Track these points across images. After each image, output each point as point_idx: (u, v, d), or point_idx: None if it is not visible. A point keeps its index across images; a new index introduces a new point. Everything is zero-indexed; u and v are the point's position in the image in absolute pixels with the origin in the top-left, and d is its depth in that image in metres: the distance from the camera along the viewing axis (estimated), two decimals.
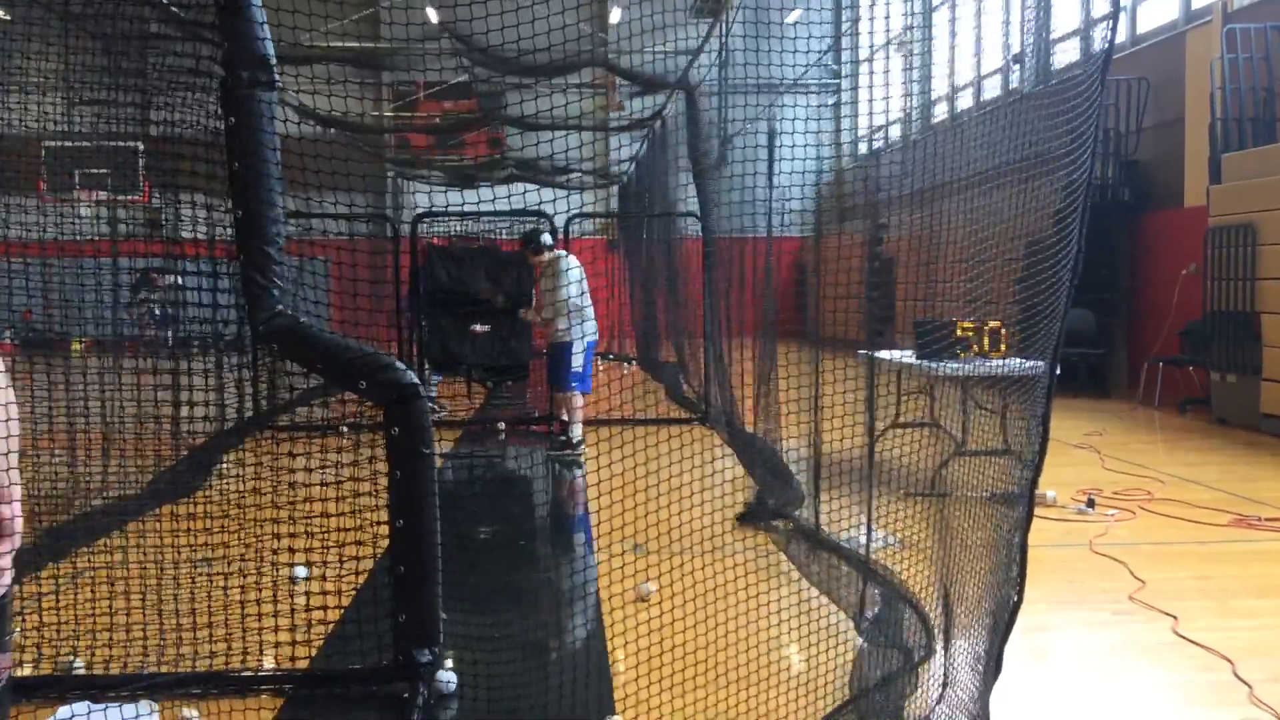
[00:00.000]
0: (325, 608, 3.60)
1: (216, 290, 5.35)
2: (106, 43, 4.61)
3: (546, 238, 8.47)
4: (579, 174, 13.19)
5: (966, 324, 5.76)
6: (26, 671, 3.55)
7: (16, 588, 3.78)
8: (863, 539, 4.40)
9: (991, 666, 2.71)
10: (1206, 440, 8.79)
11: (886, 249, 4.87)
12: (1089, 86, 2.58)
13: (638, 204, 14.65)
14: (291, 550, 3.67)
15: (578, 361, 8.20)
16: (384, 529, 3.43)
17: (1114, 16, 2.46)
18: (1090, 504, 6.14)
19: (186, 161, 3.93)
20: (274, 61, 3.15)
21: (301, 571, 4.07)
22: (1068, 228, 2.62)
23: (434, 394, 10.42)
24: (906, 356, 6.81)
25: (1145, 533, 5.70)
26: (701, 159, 8.22)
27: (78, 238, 5.47)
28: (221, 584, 3.87)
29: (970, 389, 5.97)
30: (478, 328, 10.01)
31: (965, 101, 14.93)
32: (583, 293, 8.26)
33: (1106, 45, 2.53)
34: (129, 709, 3.10)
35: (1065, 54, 10.92)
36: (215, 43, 3.31)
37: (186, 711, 3.35)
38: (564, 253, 8.35)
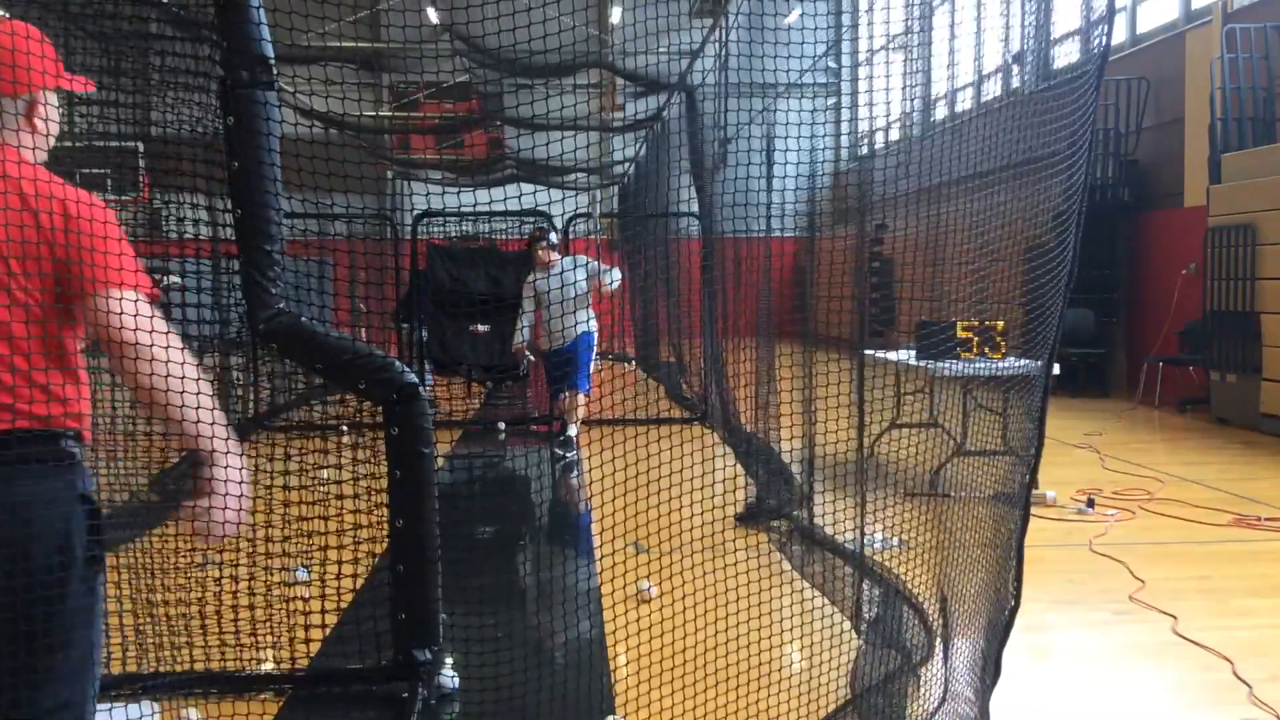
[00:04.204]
0: (325, 609, 3.60)
1: (216, 290, 5.35)
2: (106, 43, 4.61)
3: (553, 236, 8.50)
4: (580, 175, 13.20)
5: (967, 324, 5.76)
6: None
7: None
8: (862, 539, 4.40)
9: (990, 669, 2.71)
10: (1206, 440, 8.79)
11: (885, 249, 4.88)
12: (1084, 89, 2.59)
13: (638, 204, 14.65)
14: (287, 555, 3.67)
15: (591, 355, 8.21)
16: (384, 529, 3.43)
17: (1109, 20, 2.46)
18: (1090, 504, 6.14)
19: (186, 161, 3.93)
20: (274, 61, 3.15)
21: (302, 573, 4.07)
22: (1065, 229, 2.62)
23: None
24: (906, 356, 6.82)
25: (1145, 532, 5.70)
26: (702, 160, 8.22)
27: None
28: (222, 584, 3.87)
29: (970, 389, 5.97)
30: (478, 328, 10.00)
31: (965, 103, 14.92)
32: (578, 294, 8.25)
33: (1102, 49, 2.53)
34: (129, 709, 3.10)
35: (1066, 55, 10.92)
36: (215, 42, 3.31)
37: (186, 711, 3.35)
38: (575, 257, 8.32)
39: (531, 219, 9.96)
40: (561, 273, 8.07)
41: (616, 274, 8.33)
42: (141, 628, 3.72)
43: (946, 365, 5.91)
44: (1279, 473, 7.37)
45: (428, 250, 10.35)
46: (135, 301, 1.99)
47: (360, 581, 3.94)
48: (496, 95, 10.11)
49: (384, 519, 3.43)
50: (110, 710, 3.08)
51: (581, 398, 8.28)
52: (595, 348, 8.53)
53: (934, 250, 4.29)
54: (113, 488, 5.01)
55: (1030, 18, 3.61)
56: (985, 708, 2.76)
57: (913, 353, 6.70)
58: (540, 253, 8.32)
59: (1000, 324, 5.72)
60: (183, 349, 2.03)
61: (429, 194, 11.81)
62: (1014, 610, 2.64)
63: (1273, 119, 9.68)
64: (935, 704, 3.13)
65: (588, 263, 8.22)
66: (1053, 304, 2.68)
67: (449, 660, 3.58)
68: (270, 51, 3.15)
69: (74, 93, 2.35)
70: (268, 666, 3.63)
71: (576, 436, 8.30)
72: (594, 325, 8.32)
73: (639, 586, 4.35)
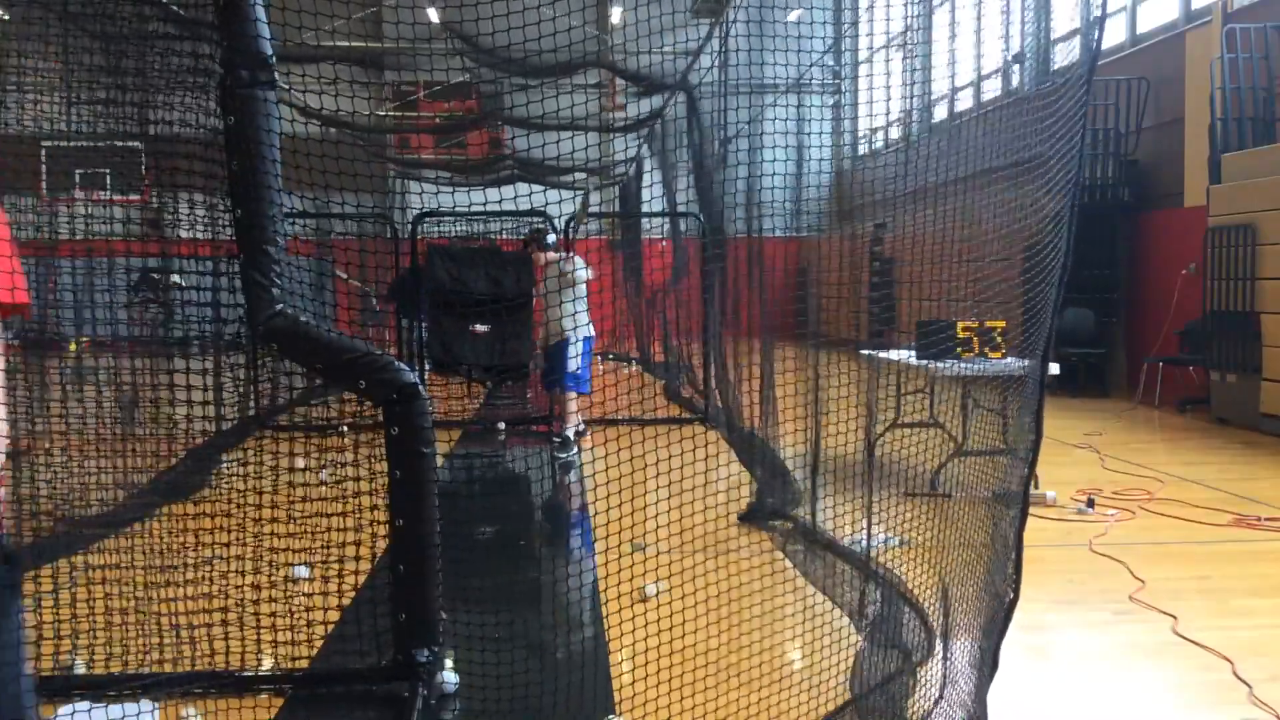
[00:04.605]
0: (325, 608, 3.60)
1: (216, 290, 5.35)
2: (106, 42, 4.61)
3: (551, 238, 8.50)
4: (581, 174, 13.20)
5: (967, 324, 5.76)
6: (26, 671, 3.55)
7: None
8: (863, 538, 4.40)
9: (989, 664, 2.71)
10: (1206, 440, 8.79)
11: (886, 249, 4.88)
12: (1076, 90, 2.59)
13: (638, 204, 14.65)
14: (291, 552, 3.67)
15: (574, 362, 8.19)
16: (384, 529, 3.43)
17: (1101, 23, 2.46)
18: (1090, 504, 6.14)
19: (186, 161, 3.93)
20: (274, 61, 3.15)
21: (302, 571, 4.07)
22: (1059, 228, 2.62)
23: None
24: (907, 356, 6.81)
25: (1145, 532, 5.70)
26: (702, 159, 8.22)
27: (77, 238, 5.48)
28: (222, 584, 3.87)
29: (970, 388, 5.97)
30: (478, 328, 10.00)
31: (965, 103, 14.92)
32: (586, 294, 8.26)
33: (1093, 50, 2.54)
34: (129, 709, 3.10)
35: (1065, 55, 10.91)
36: (215, 42, 3.31)
37: (186, 711, 3.35)
38: (568, 254, 8.32)
39: (532, 219, 9.97)
40: (558, 274, 8.11)
41: (579, 262, 8.25)
42: (141, 627, 3.73)
43: (947, 365, 5.91)
44: (1279, 473, 7.37)
45: (428, 250, 10.35)
46: None
47: (361, 581, 3.95)
48: (497, 95, 10.11)
49: (384, 519, 3.43)
50: (110, 710, 3.09)
51: (572, 403, 8.29)
52: (591, 352, 8.50)
53: (933, 249, 4.29)
54: (106, 486, 5.02)
55: (1029, 14, 3.61)
56: (983, 701, 2.76)
57: (913, 352, 6.70)
58: (534, 254, 8.38)
59: (1000, 323, 5.72)
60: None
61: (436, 192, 11.82)
62: (1013, 603, 2.63)
63: (1273, 119, 9.68)
64: (934, 701, 3.13)
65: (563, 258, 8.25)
66: (1046, 301, 2.68)
67: (449, 660, 3.58)
68: (270, 51, 3.15)
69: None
70: (268, 666, 3.63)
71: (575, 437, 8.30)
72: (586, 331, 8.26)
73: (646, 592, 4.34)
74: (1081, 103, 2.55)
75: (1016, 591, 2.63)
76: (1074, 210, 2.53)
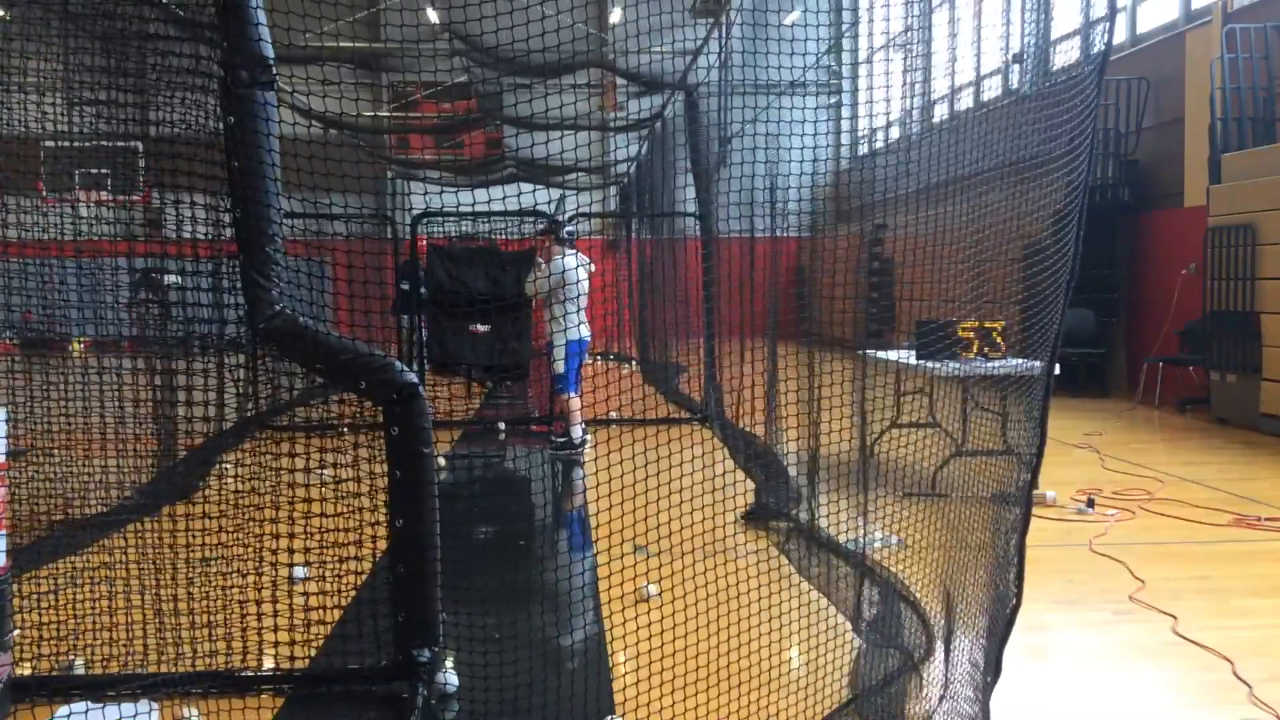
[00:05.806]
0: (325, 608, 3.60)
1: (216, 290, 5.35)
2: (106, 43, 4.61)
3: (570, 229, 8.54)
4: (579, 174, 13.19)
5: (967, 324, 5.76)
6: (26, 671, 3.55)
7: (16, 587, 3.78)
8: (862, 539, 4.40)
9: (992, 667, 2.71)
10: (1206, 440, 8.79)
11: (885, 249, 4.88)
12: (1086, 88, 2.59)
13: (638, 204, 14.65)
14: (290, 551, 3.67)
15: (559, 362, 8.21)
16: (384, 529, 3.43)
17: (1110, 19, 2.46)
18: (1090, 504, 6.14)
19: (186, 161, 3.93)
20: (273, 61, 3.15)
21: (301, 571, 4.06)
22: (1066, 228, 2.62)
23: None
24: (906, 356, 6.81)
25: (1145, 532, 5.70)
26: (701, 159, 8.23)
27: (78, 238, 5.48)
28: (221, 584, 3.87)
29: (970, 389, 5.97)
30: (477, 328, 10.00)
31: (965, 102, 14.92)
32: (579, 294, 8.24)
33: (1104, 48, 2.53)
34: (129, 709, 3.10)
35: (1065, 55, 10.92)
36: (215, 42, 3.31)
37: (186, 711, 3.35)
38: (570, 251, 8.30)
39: (531, 219, 9.98)
40: (549, 274, 8.14)
41: (569, 263, 8.22)
42: (141, 627, 3.73)
43: (945, 365, 5.91)
44: (1279, 473, 7.37)
45: (428, 250, 10.35)
46: None
47: (360, 581, 3.94)
48: (496, 94, 10.11)
49: (384, 519, 3.43)
50: (109, 710, 3.09)
51: (574, 401, 8.31)
52: (582, 353, 8.51)
53: (934, 250, 4.29)
54: (106, 486, 5.02)
55: (1030, 14, 3.61)
56: (986, 706, 2.76)
57: (912, 353, 6.70)
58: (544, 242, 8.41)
59: (1000, 324, 5.72)
60: None
61: (424, 192, 11.81)
62: (1015, 608, 2.63)
63: (1273, 119, 9.68)
64: (935, 703, 3.13)
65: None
66: (1054, 303, 2.68)
67: (449, 660, 3.58)
68: (270, 51, 3.15)
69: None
70: (268, 666, 3.63)
71: (573, 435, 8.30)
72: (577, 333, 8.25)
73: (645, 592, 4.34)
74: (1091, 102, 2.54)
75: (1019, 596, 2.63)
76: (1082, 213, 2.53)
